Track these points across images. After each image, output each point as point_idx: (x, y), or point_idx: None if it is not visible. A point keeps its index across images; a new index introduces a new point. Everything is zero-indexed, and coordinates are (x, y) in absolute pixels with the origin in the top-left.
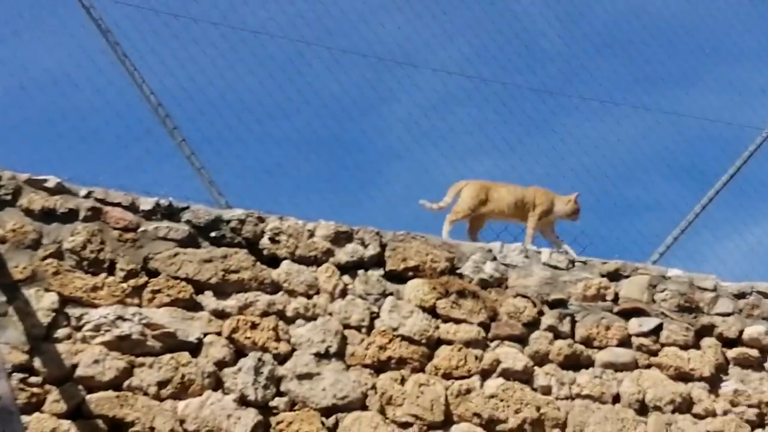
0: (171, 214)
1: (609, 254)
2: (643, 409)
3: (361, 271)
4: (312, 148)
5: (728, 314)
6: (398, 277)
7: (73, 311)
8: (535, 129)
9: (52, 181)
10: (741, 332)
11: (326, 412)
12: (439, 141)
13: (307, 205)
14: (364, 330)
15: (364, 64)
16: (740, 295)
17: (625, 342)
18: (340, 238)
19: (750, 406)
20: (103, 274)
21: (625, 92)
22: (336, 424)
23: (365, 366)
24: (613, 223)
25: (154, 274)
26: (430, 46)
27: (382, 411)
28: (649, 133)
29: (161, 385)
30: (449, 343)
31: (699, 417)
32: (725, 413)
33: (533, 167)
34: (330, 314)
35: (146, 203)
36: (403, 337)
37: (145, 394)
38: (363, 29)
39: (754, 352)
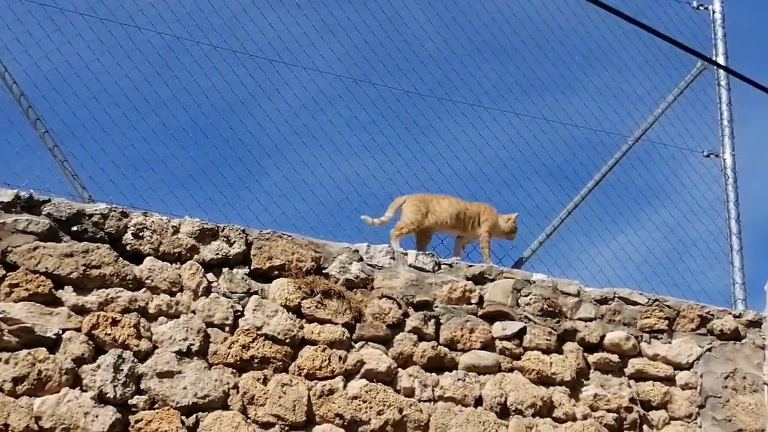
0: (31, 206)
1: (475, 258)
2: (504, 412)
3: (225, 269)
4: (182, 144)
5: (590, 319)
6: (263, 276)
7: None
8: (410, 131)
9: None
10: (602, 337)
11: (187, 411)
12: (315, 140)
13: (176, 202)
14: (227, 328)
15: (237, 61)
16: (602, 301)
17: (488, 345)
18: (206, 235)
19: (609, 410)
20: None
21: (500, 97)
22: (196, 424)
23: (227, 365)
24: None
25: (12, 267)
26: (305, 45)
27: (243, 411)
28: (523, 138)
29: (17, 381)
30: (313, 343)
31: (559, 421)
32: (585, 417)
33: (409, 168)
34: (193, 312)
35: (5, 195)
36: (267, 337)
37: (0, 390)
38: (236, 26)
39: (615, 357)
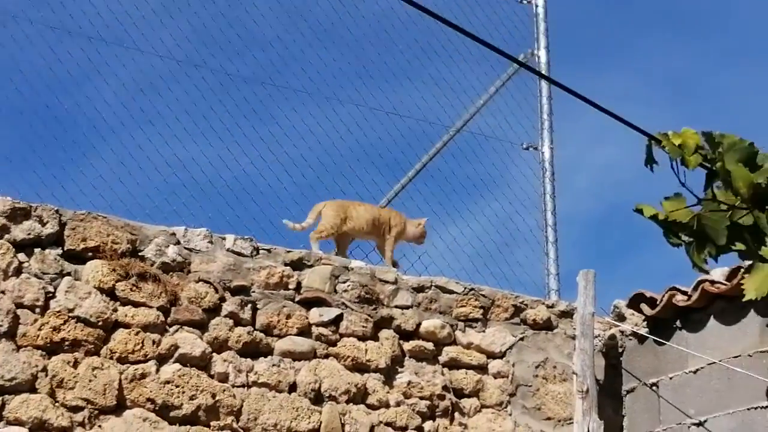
0: None
1: (297, 244)
2: (318, 398)
3: (38, 250)
4: (7, 123)
5: (407, 307)
6: (77, 257)
7: None
8: (247, 117)
9: None
10: (418, 325)
11: None
12: (149, 123)
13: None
14: (38, 310)
15: (70, 40)
16: (419, 289)
17: (305, 331)
18: (17, 215)
19: (422, 398)
20: None
21: (337, 86)
22: (2, 406)
23: (37, 347)
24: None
25: None
26: (143, 28)
27: (52, 394)
28: (357, 126)
29: None
30: (127, 326)
31: (373, 407)
32: (398, 404)
33: (245, 154)
34: (2, 293)
35: None
36: (79, 319)
37: None
38: (70, 3)
39: (430, 345)
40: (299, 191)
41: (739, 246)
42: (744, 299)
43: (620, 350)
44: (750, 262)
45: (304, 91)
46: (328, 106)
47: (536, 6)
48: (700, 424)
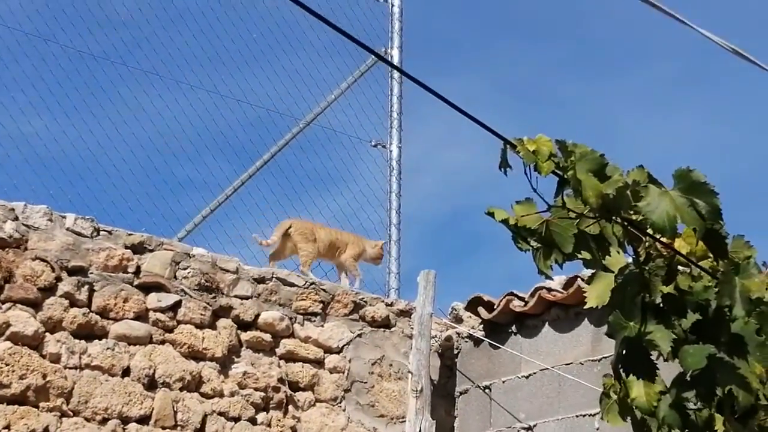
0: None
1: (139, 227)
2: (152, 384)
3: None
4: None
5: (247, 297)
6: None
7: None
8: (94, 94)
9: None
10: (257, 316)
11: None
12: None
13: None
14: None
15: None
16: (260, 280)
17: (142, 316)
18: None
19: (257, 389)
20: None
21: (189, 69)
22: None
23: None
24: (157, 196)
25: None
26: None
27: None
28: (207, 112)
29: None
30: None
31: (207, 396)
32: (232, 394)
33: (91, 133)
34: None
35: None
36: None
37: None
38: None
39: (267, 337)
40: (144, 173)
41: (585, 254)
42: (585, 307)
43: (456, 352)
44: (593, 270)
45: (155, 73)
46: (178, 90)
47: (392, 5)
48: (529, 428)
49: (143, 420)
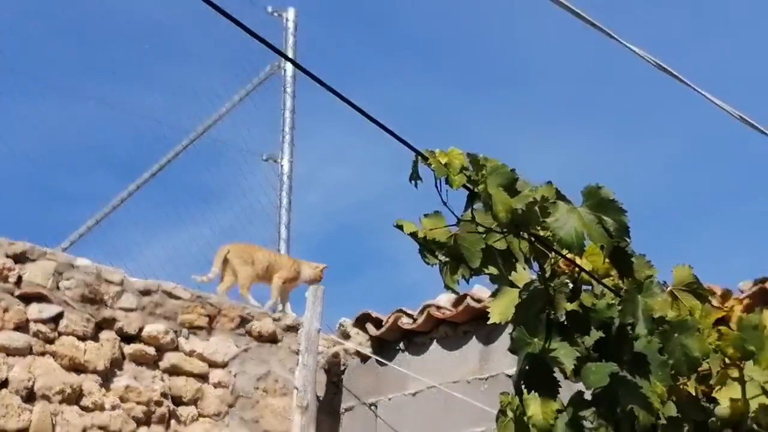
0: None
1: (35, 237)
2: (30, 396)
3: None
4: None
5: (132, 310)
6: None
7: None
8: None
9: None
10: (141, 329)
11: None
12: None
13: None
14: None
15: None
16: (146, 292)
17: (22, 327)
18: None
19: (139, 402)
20: None
21: (74, 79)
22: None
23: None
24: (40, 206)
25: None
26: None
27: None
28: (94, 123)
29: None
30: None
31: (87, 410)
32: (114, 408)
33: None
34: None
35: None
36: None
37: None
38: None
39: (151, 350)
40: (27, 184)
41: (492, 270)
42: (488, 322)
43: (342, 368)
44: (493, 287)
45: (36, 80)
46: (66, 99)
47: (286, 20)
48: None
49: None
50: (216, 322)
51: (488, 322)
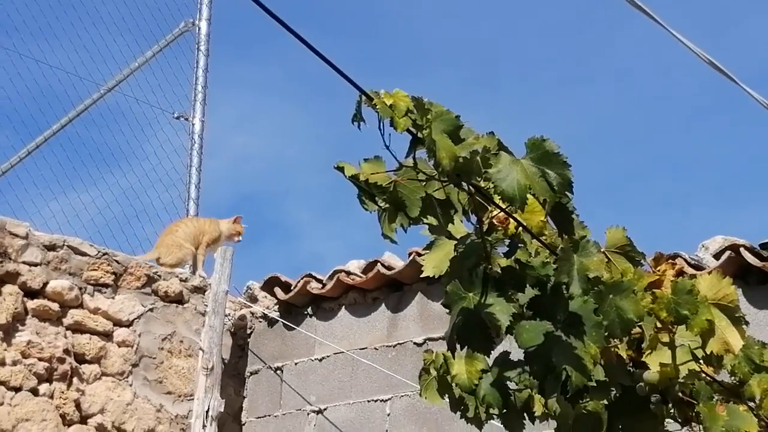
0: None
1: None
2: None
3: None
4: None
5: (36, 264)
6: None
7: None
8: None
9: None
10: (45, 284)
11: None
12: None
13: None
14: None
15: None
16: (51, 247)
17: None
18: None
19: (41, 359)
20: None
21: None
22: None
23: None
24: None
25: None
26: None
27: None
28: None
29: None
30: None
31: None
32: (15, 363)
33: None
34: None
35: None
36: None
37: None
38: None
39: (55, 306)
40: None
41: (431, 219)
42: (422, 275)
43: (249, 331)
44: (430, 241)
45: None
46: None
47: None
48: (319, 411)
49: None
50: (122, 280)
51: (422, 275)
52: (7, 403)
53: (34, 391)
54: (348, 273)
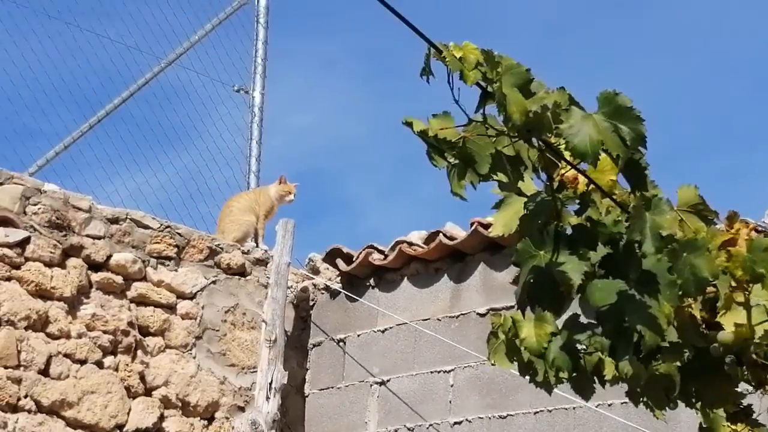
0: None
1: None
2: None
3: None
4: None
5: (99, 237)
6: None
7: None
8: None
9: None
10: (109, 257)
11: None
12: None
13: None
14: None
15: None
16: (114, 221)
17: None
18: None
19: (105, 331)
20: None
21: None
22: None
23: None
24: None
25: None
26: None
27: None
28: (63, 51)
29: None
30: None
31: (53, 336)
32: (80, 336)
33: None
34: None
35: None
36: None
37: None
38: None
39: (119, 279)
40: None
41: (501, 176)
42: (491, 234)
43: (311, 303)
44: (503, 196)
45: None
46: (22, 34)
47: None
48: (382, 383)
49: None
50: (185, 252)
51: (491, 234)
52: (72, 376)
53: (99, 364)
54: (410, 244)
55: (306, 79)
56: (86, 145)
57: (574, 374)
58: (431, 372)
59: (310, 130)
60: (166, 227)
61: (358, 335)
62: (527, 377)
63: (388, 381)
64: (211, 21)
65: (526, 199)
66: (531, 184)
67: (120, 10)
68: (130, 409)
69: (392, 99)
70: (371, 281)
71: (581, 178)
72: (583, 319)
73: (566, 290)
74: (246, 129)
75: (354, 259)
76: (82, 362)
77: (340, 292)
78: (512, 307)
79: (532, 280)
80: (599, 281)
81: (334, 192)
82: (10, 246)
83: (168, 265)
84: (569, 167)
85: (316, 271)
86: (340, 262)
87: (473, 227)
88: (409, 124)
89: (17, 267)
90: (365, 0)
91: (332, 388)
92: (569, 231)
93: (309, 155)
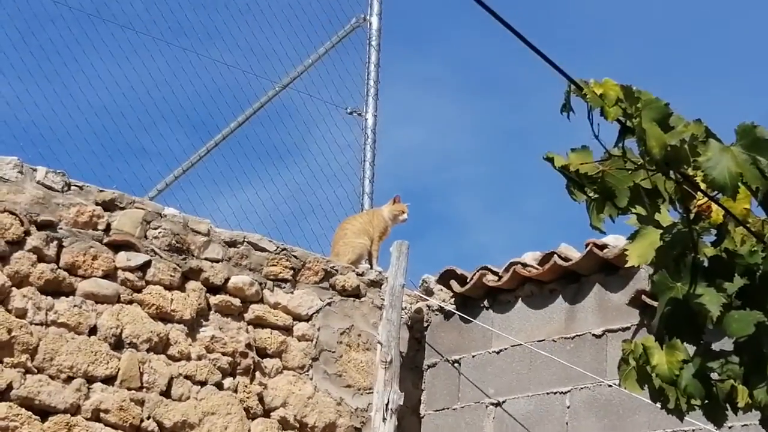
0: None
1: (110, 184)
2: (118, 344)
3: None
4: None
5: (217, 260)
6: None
7: None
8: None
9: None
10: (227, 280)
11: None
12: None
13: None
14: None
15: None
16: (232, 244)
17: (110, 274)
18: None
19: (224, 353)
20: None
21: (156, 37)
22: None
23: None
24: (124, 159)
25: None
26: None
27: None
28: (169, 80)
29: None
30: None
31: (173, 359)
32: (199, 358)
33: (45, 98)
34: None
35: None
36: None
37: None
38: None
39: (237, 301)
40: (109, 138)
41: (639, 209)
42: (626, 265)
43: (426, 324)
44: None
45: (117, 39)
46: (140, 58)
47: None
48: (498, 404)
49: (109, 380)
50: (300, 275)
51: (626, 265)
52: (193, 397)
53: (219, 385)
54: (524, 265)
55: (410, 96)
56: (204, 167)
57: (707, 401)
58: (547, 393)
59: (414, 147)
60: (282, 250)
61: (473, 356)
62: (658, 403)
63: (503, 402)
64: (324, 45)
65: (661, 231)
66: (667, 215)
67: (236, 35)
68: (249, 430)
69: (496, 114)
70: (485, 302)
71: (715, 207)
72: (715, 346)
73: (703, 321)
74: (358, 150)
75: (468, 281)
76: (203, 384)
77: (455, 313)
78: (628, 328)
79: (669, 311)
80: (736, 312)
81: (439, 208)
82: (131, 270)
83: (284, 288)
84: (706, 199)
85: (429, 293)
86: (454, 283)
87: (588, 248)
88: (551, 160)
89: (138, 290)
90: (470, 15)
91: (448, 409)
92: (705, 262)
93: (414, 172)
